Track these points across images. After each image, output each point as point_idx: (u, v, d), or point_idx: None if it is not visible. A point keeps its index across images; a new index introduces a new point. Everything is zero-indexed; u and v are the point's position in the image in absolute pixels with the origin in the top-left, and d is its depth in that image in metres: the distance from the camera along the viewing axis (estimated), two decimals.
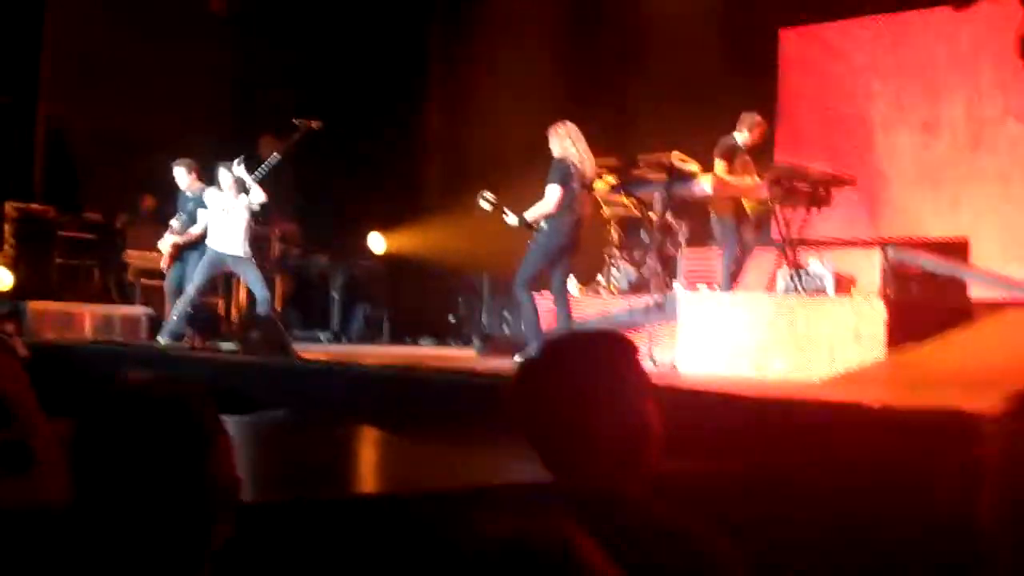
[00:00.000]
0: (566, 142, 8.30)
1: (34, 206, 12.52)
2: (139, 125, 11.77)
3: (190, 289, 9.80)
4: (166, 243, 10.28)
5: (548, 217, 8.20)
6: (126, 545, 1.65)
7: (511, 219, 8.36)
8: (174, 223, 10.32)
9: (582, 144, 8.36)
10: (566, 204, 8.19)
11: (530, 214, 8.25)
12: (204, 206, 10.04)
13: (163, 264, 10.35)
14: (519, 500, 2.02)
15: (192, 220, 10.17)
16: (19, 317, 10.58)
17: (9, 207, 12.36)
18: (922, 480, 3.60)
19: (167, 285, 10.29)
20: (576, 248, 8.49)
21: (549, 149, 8.33)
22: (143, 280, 11.78)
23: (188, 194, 10.36)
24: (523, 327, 8.47)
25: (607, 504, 1.92)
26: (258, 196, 9.69)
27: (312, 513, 2.99)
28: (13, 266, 12.07)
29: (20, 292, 11.49)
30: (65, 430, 2.80)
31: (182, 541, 1.66)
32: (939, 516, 2.22)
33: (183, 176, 10.34)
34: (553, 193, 8.15)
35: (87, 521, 1.70)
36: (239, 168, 9.72)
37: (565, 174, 8.19)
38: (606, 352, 2.03)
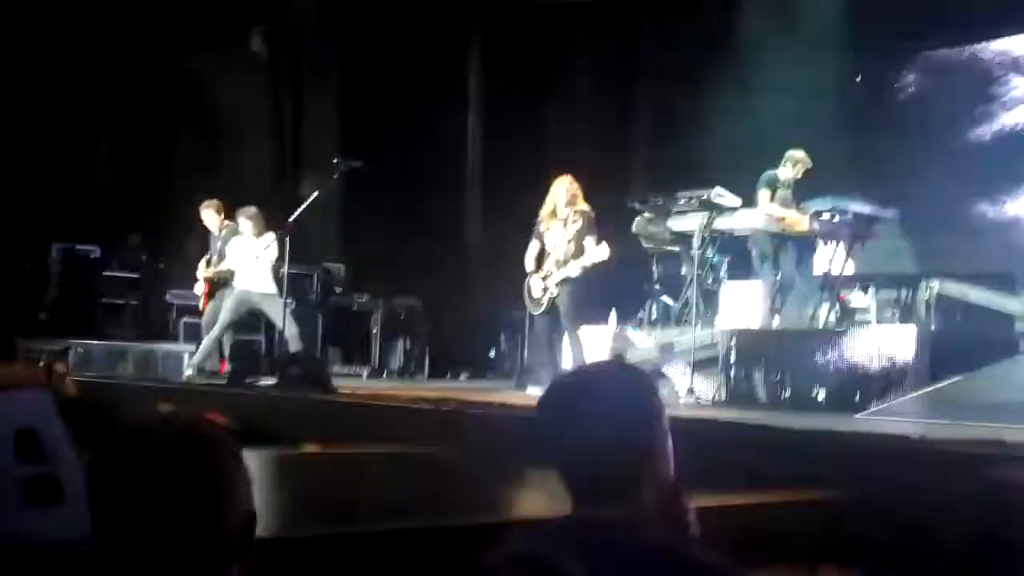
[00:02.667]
0: (579, 194, 8.77)
1: (79, 246, 12.71)
2: (183, 167, 11.91)
3: (217, 327, 9.96)
4: (199, 284, 10.47)
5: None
6: None
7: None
8: (203, 263, 10.49)
9: None
10: None
11: (586, 264, 8.61)
12: (231, 245, 10.22)
13: (200, 304, 10.52)
14: (536, 533, 2.00)
15: (221, 259, 10.31)
16: (67, 355, 10.71)
17: (54, 248, 12.56)
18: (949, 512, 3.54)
19: (203, 323, 10.43)
20: None
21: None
22: (186, 319, 11.89)
23: (216, 234, 10.52)
24: (573, 364, 8.59)
25: (628, 536, 1.90)
26: (266, 242, 9.86)
27: (325, 547, 3.00)
28: (58, 305, 12.24)
29: (67, 330, 11.63)
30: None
31: None
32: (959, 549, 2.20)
33: (211, 217, 10.51)
34: (597, 242, 8.59)
35: (105, 559, 1.68)
36: (253, 217, 9.95)
37: (595, 224, 8.69)
38: (624, 384, 2.03)
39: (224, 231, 10.44)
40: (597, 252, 8.61)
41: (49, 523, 2.77)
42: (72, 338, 11.27)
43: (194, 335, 11.11)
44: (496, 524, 3.12)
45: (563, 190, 8.76)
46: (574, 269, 8.64)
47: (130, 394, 8.73)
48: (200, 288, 10.51)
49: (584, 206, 8.74)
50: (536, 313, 9.03)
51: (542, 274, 8.84)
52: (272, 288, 10.00)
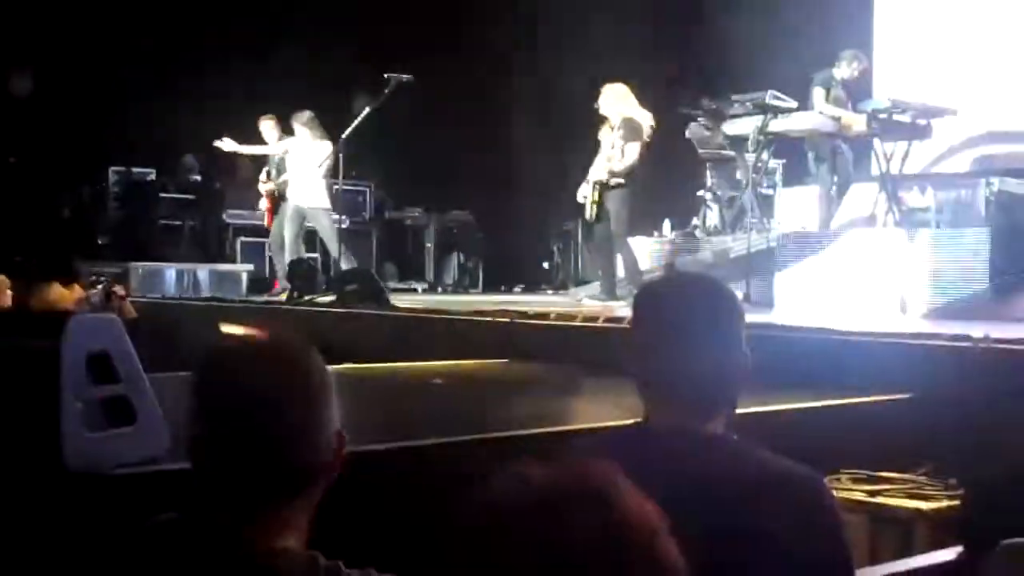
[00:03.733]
0: (629, 100, 8.63)
1: (136, 169, 12.81)
2: (230, 85, 11.89)
3: (287, 247, 9.96)
4: (263, 200, 10.46)
5: (631, 178, 8.54)
6: (233, 496, 1.69)
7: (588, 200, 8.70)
8: (263, 178, 10.48)
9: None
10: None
11: (619, 172, 8.51)
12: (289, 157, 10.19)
13: (265, 221, 10.52)
14: (603, 440, 2.02)
15: (280, 172, 10.31)
16: (127, 278, 10.86)
17: (111, 172, 12.67)
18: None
19: (270, 240, 10.43)
20: None
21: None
22: (243, 238, 12.00)
23: (275, 148, 10.45)
24: (626, 273, 8.66)
25: (709, 444, 1.92)
26: (322, 152, 9.75)
27: (403, 459, 3.05)
28: (117, 228, 12.39)
29: (126, 253, 11.78)
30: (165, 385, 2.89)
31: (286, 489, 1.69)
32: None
33: (270, 130, 10.46)
34: (636, 151, 8.50)
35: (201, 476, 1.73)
36: (308, 123, 9.80)
37: (641, 131, 8.53)
38: (703, 296, 2.03)
39: (283, 144, 10.39)
40: (623, 159, 8.51)
41: (123, 443, 2.84)
42: (131, 261, 11.42)
43: (251, 255, 11.21)
44: (558, 433, 3.15)
45: (607, 96, 8.68)
46: (600, 173, 8.57)
47: (191, 314, 8.85)
48: (264, 204, 10.48)
49: (630, 112, 8.63)
50: (586, 219, 9.00)
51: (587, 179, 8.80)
52: (324, 201, 9.95)
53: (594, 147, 8.84)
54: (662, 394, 1.97)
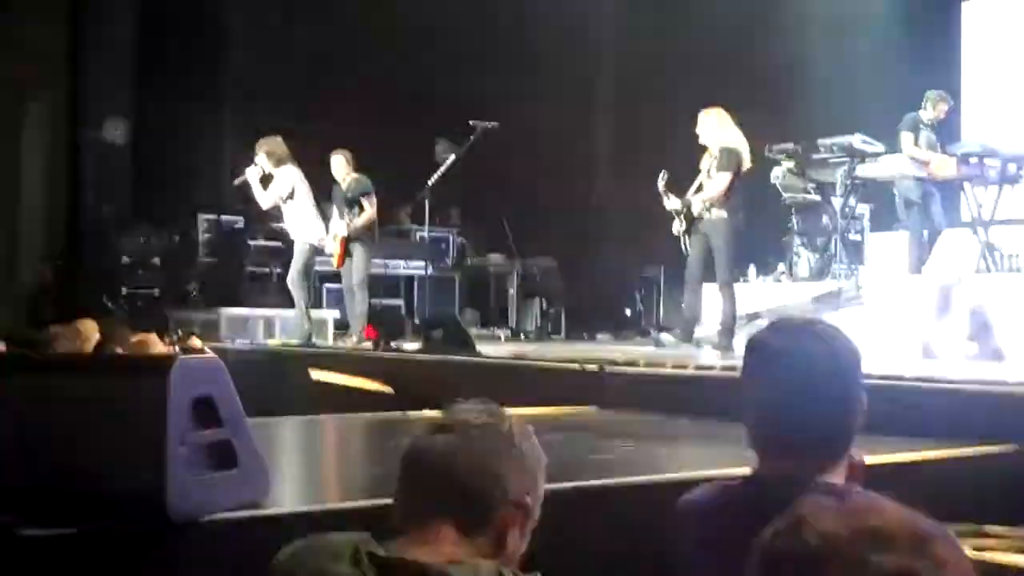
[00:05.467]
0: (728, 125, 8.20)
1: (224, 217, 13.01)
2: (316, 131, 12.07)
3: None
4: (330, 242, 10.00)
5: (732, 209, 8.08)
6: None
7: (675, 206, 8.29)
8: (335, 217, 9.98)
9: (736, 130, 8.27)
10: (743, 194, 8.15)
11: (707, 201, 8.15)
12: (364, 194, 9.90)
13: (335, 264, 10.17)
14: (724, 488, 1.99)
15: (349, 212, 9.93)
16: (216, 324, 11.01)
17: (201, 219, 12.89)
18: None
19: (343, 284, 10.19)
20: None
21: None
22: (328, 284, 12.08)
23: (343, 186, 10.03)
24: (723, 319, 8.33)
25: (819, 493, 1.88)
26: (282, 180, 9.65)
27: None
28: (206, 276, 12.58)
29: (215, 300, 11.95)
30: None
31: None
32: None
33: (340, 165, 10.04)
34: (725, 180, 8.03)
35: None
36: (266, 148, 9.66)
37: (735, 160, 8.10)
38: (815, 342, 2.00)
39: (350, 181, 9.97)
40: (711, 188, 8.09)
41: (226, 487, 2.86)
42: (220, 307, 11.57)
43: (337, 300, 11.26)
44: (668, 482, 3.11)
45: (705, 123, 8.25)
46: (695, 203, 8.18)
47: (279, 360, 8.94)
48: (332, 247, 10.06)
49: (728, 140, 8.20)
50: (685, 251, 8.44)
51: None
52: (300, 234, 9.72)
53: (695, 176, 8.42)
54: (777, 444, 1.95)
